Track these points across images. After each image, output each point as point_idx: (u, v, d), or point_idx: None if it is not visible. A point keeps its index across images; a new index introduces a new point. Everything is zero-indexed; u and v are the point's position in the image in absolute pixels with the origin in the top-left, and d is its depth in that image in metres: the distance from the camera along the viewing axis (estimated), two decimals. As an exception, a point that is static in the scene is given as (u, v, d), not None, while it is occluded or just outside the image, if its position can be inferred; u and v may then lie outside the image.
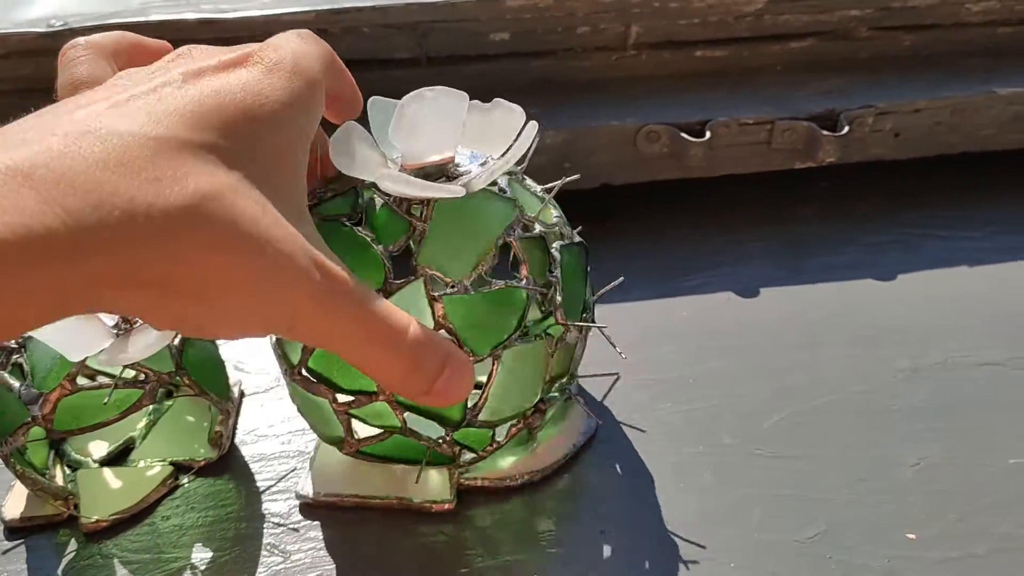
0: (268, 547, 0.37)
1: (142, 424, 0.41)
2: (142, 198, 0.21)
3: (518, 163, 0.35)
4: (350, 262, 0.26)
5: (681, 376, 0.45)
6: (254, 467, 0.40)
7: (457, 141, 0.33)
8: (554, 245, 0.35)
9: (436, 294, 0.32)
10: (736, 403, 0.43)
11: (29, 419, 0.34)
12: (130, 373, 0.35)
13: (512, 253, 0.34)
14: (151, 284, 0.22)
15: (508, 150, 0.32)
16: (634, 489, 0.39)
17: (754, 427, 0.42)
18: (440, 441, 0.36)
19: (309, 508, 0.38)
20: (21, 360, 0.36)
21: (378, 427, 0.36)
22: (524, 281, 0.34)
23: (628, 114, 0.52)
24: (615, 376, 0.43)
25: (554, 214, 0.37)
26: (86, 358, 0.34)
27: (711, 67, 0.56)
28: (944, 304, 0.49)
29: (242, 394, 0.43)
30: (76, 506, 0.37)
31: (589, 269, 0.38)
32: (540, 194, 0.37)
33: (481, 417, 0.35)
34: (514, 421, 0.37)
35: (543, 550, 0.36)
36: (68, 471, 0.39)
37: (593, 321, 0.38)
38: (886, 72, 0.56)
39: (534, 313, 0.35)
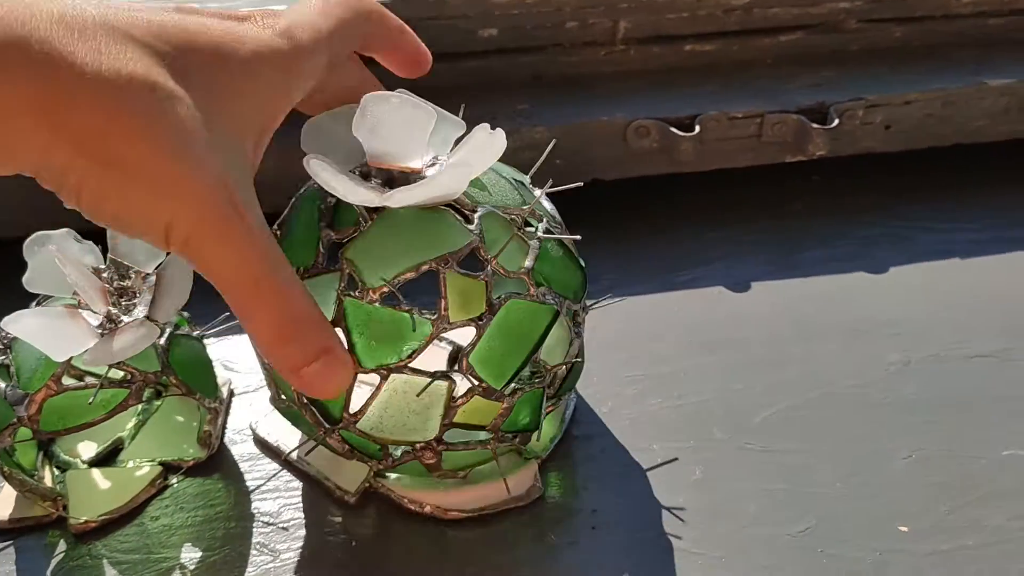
0: (258, 546, 0.37)
1: (131, 425, 0.40)
2: (82, 58, 0.23)
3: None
4: (297, 231, 0.28)
5: (672, 371, 0.44)
6: (243, 466, 0.40)
7: (423, 153, 0.32)
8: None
9: (345, 291, 0.32)
10: (727, 397, 0.43)
11: (15, 420, 0.34)
12: (117, 374, 0.35)
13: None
14: (65, 140, 0.23)
15: (441, 170, 0.31)
16: (624, 482, 0.39)
17: (745, 421, 0.42)
18: (326, 434, 0.35)
19: (263, 446, 0.41)
20: (6, 361, 0.36)
21: None
22: (436, 315, 0.32)
23: (617, 109, 0.52)
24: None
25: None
26: (71, 358, 0.34)
27: (700, 61, 0.56)
28: (937, 297, 0.49)
29: (231, 393, 0.43)
30: (65, 507, 0.37)
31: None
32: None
33: (360, 426, 0.34)
34: (407, 448, 0.35)
35: (533, 543, 0.36)
36: (57, 472, 0.39)
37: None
38: (876, 64, 0.56)
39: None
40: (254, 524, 0.38)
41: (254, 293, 0.27)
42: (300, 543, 0.37)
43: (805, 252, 0.52)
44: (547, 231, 0.35)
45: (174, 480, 0.39)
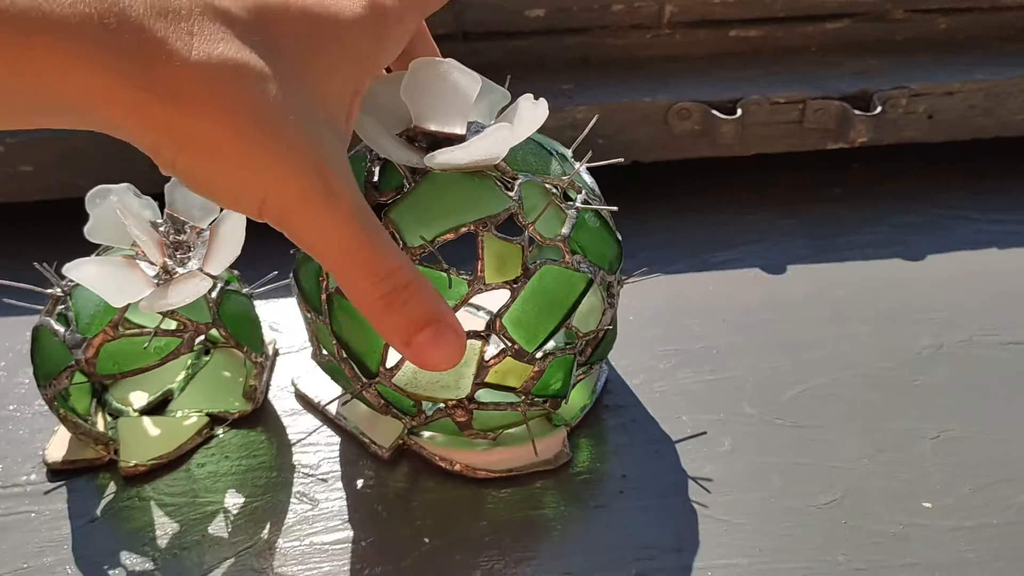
0: (298, 495, 0.38)
1: (181, 377, 0.42)
2: (171, 43, 0.23)
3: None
4: None
5: (704, 347, 0.45)
6: (285, 421, 0.42)
7: (466, 119, 0.33)
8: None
9: None
10: (758, 375, 0.44)
11: (72, 363, 0.36)
12: (171, 324, 0.37)
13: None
14: (156, 120, 0.24)
15: (484, 134, 0.32)
16: (653, 451, 0.40)
17: (775, 398, 0.42)
18: (363, 386, 0.36)
19: (304, 402, 0.43)
20: (65, 311, 0.38)
21: None
22: (472, 276, 0.33)
23: (660, 91, 0.52)
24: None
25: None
26: (128, 306, 0.36)
27: (745, 47, 0.56)
28: (972, 285, 0.49)
29: (276, 352, 0.45)
30: (116, 451, 0.39)
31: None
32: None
33: (395, 381, 0.35)
34: (439, 405, 0.37)
35: (563, 504, 0.37)
36: (109, 419, 0.41)
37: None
38: (921, 54, 0.56)
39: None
40: (294, 475, 0.39)
41: (352, 265, 0.27)
42: (337, 494, 0.38)
43: (843, 237, 0.52)
44: (585, 202, 0.36)
45: (220, 431, 0.41)
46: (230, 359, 0.43)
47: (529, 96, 0.33)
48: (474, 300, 0.44)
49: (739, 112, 0.51)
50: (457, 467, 0.39)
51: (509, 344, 0.34)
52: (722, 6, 0.55)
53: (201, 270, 0.35)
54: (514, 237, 0.34)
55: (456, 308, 0.34)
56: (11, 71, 0.22)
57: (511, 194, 0.33)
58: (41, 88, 0.23)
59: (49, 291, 0.38)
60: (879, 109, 0.52)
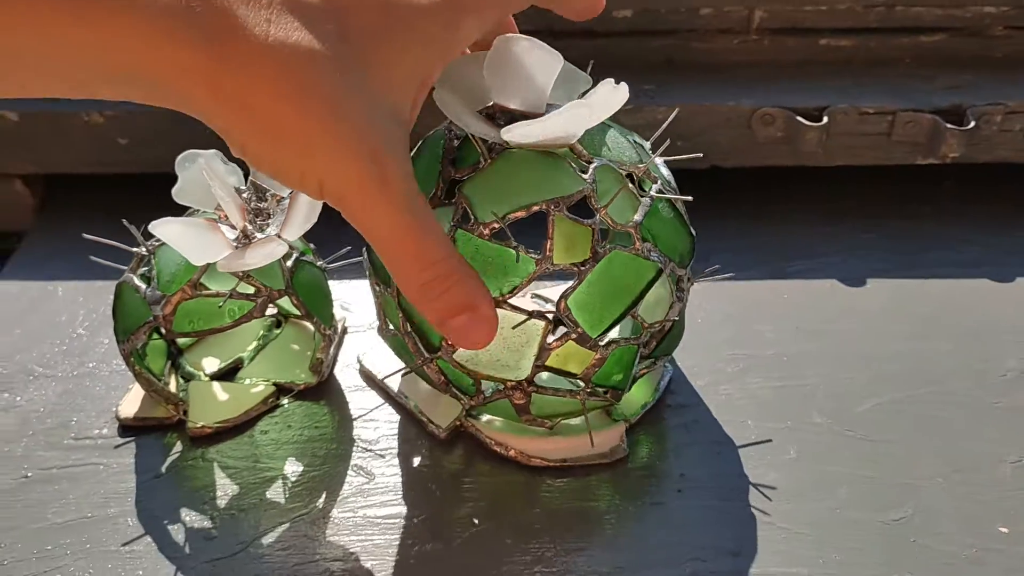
0: (355, 468, 0.39)
1: (252, 347, 0.43)
2: (250, 27, 0.25)
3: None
4: (420, 167, 0.30)
5: (775, 354, 0.44)
6: (349, 396, 0.42)
7: (546, 97, 0.33)
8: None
9: (459, 224, 0.33)
10: (830, 385, 0.42)
11: (151, 319, 0.37)
12: (247, 289, 0.38)
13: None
14: (228, 99, 0.25)
15: (562, 112, 0.32)
16: (715, 453, 0.39)
17: (847, 409, 0.41)
18: (424, 361, 0.36)
19: (367, 378, 0.43)
20: (148, 273, 0.39)
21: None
22: (540, 255, 0.33)
23: (744, 96, 0.52)
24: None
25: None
26: (207, 266, 0.37)
27: (835, 56, 0.55)
28: (1065, 310, 0.47)
29: (344, 330, 0.45)
30: (185, 412, 0.40)
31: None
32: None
33: (456, 356, 0.35)
34: (498, 385, 0.36)
35: (619, 498, 0.37)
36: (181, 381, 0.42)
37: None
38: (1019, 72, 0.54)
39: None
40: (353, 448, 0.40)
41: (400, 251, 0.28)
42: (394, 470, 0.38)
43: (928, 254, 0.51)
44: (660, 192, 0.35)
45: (285, 401, 0.42)
46: (300, 333, 0.44)
47: (610, 80, 0.33)
48: (542, 292, 0.44)
49: (825, 120, 0.50)
50: (512, 452, 0.38)
51: (573, 326, 0.34)
52: (813, 14, 0.54)
53: (278, 236, 0.36)
54: (585, 219, 0.33)
55: (523, 286, 0.33)
56: (96, 41, 0.24)
57: (585, 176, 0.33)
58: (121, 60, 0.24)
59: (135, 249, 0.39)
60: (972, 124, 0.50)
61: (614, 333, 0.36)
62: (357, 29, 0.27)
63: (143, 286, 0.38)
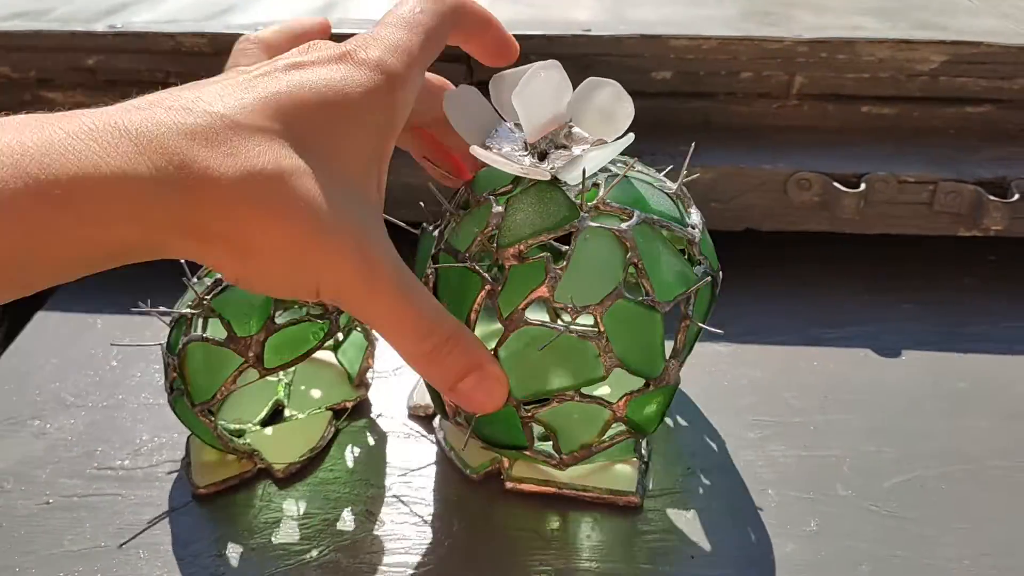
0: (366, 513, 0.38)
1: (280, 389, 0.44)
2: (216, 168, 0.25)
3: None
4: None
5: (801, 423, 0.43)
6: (367, 439, 0.42)
7: (564, 108, 0.34)
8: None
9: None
10: (857, 458, 0.41)
11: (242, 362, 0.37)
12: (315, 310, 0.39)
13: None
14: (215, 239, 0.26)
15: (608, 142, 0.33)
16: (731, 520, 0.38)
17: (873, 484, 0.40)
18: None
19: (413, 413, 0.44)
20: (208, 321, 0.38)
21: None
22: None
23: (781, 159, 0.51)
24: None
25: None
26: (278, 302, 0.37)
27: (876, 124, 0.55)
28: (1112, 392, 0.45)
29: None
30: (262, 459, 0.40)
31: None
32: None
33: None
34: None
35: (629, 567, 0.36)
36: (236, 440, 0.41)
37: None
38: (1071, 147, 0.53)
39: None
40: (367, 492, 0.39)
41: (398, 330, 0.30)
42: (404, 517, 0.38)
43: (968, 328, 0.49)
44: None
45: (343, 422, 0.43)
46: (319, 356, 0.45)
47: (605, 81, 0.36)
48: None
49: (862, 187, 0.50)
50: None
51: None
52: (855, 81, 0.54)
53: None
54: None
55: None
56: (86, 237, 0.24)
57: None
58: (115, 243, 0.25)
59: (183, 311, 0.38)
60: (1016, 197, 0.49)
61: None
62: (307, 133, 0.28)
63: (216, 336, 0.37)
